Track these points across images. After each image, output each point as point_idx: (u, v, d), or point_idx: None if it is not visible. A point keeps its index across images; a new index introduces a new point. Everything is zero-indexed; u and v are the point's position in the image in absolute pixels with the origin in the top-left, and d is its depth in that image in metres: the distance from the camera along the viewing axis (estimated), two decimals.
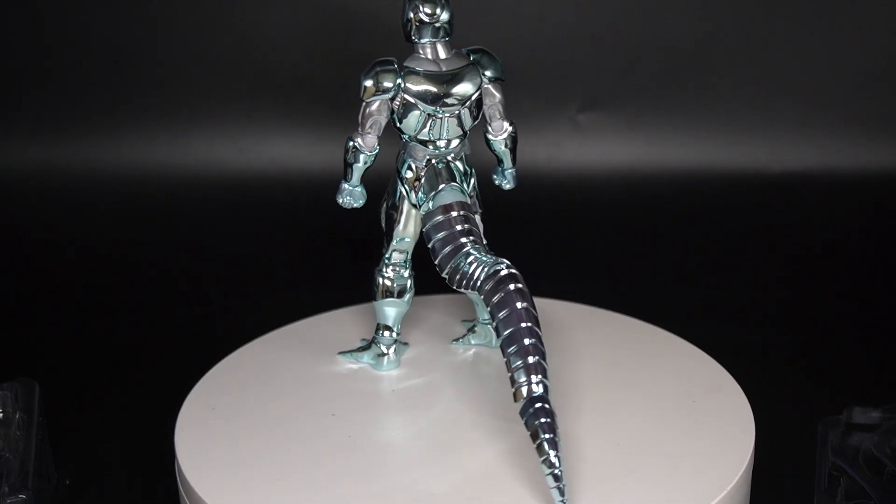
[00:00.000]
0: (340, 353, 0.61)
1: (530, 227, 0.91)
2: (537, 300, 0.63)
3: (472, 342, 0.62)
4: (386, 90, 0.53)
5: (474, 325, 0.62)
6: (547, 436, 0.46)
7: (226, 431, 0.54)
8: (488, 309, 0.49)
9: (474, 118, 0.55)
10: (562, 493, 0.46)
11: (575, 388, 0.57)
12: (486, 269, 0.50)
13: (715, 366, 0.59)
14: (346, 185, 0.55)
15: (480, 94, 0.54)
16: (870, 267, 0.86)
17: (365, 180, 0.55)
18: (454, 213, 0.53)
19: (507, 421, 0.53)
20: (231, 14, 0.98)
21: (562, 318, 0.64)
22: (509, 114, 0.56)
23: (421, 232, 0.54)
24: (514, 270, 0.50)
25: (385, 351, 0.59)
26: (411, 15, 0.53)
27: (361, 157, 0.54)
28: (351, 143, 0.54)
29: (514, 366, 0.48)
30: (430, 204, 0.54)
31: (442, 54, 0.54)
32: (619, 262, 0.87)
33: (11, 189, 0.97)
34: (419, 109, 0.53)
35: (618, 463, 0.51)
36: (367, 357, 0.60)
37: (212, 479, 0.51)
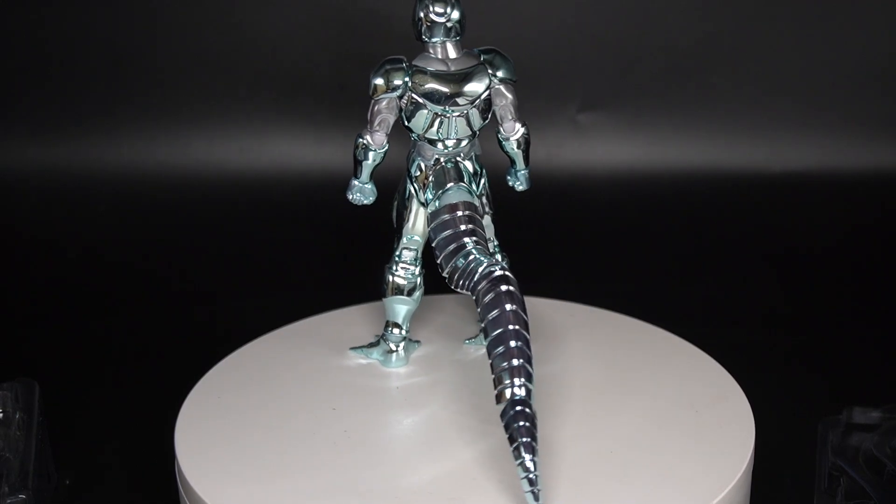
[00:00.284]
0: (352, 348, 0.61)
1: (530, 227, 0.91)
2: (537, 300, 0.63)
3: (484, 343, 0.62)
4: (394, 88, 0.53)
5: None
6: (524, 440, 0.46)
7: (226, 431, 0.54)
8: (479, 309, 0.49)
9: (484, 118, 0.55)
10: (536, 498, 0.46)
11: (575, 388, 0.57)
12: (481, 270, 0.50)
13: (715, 366, 0.59)
14: (356, 182, 0.55)
15: (490, 95, 0.54)
16: (870, 267, 0.86)
17: (375, 178, 0.55)
18: (459, 213, 0.53)
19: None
20: (231, 14, 0.98)
21: (562, 318, 0.64)
22: (521, 115, 0.56)
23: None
24: (507, 273, 0.49)
25: (393, 348, 0.59)
26: (422, 14, 0.53)
27: (371, 154, 0.54)
28: (360, 140, 0.54)
29: (498, 368, 0.47)
30: (437, 203, 0.54)
31: (452, 54, 0.54)
32: (619, 262, 0.87)
33: (11, 189, 0.97)
34: (427, 108, 0.53)
35: (617, 462, 0.51)
36: (376, 353, 0.60)
37: (212, 479, 0.51)
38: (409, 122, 0.54)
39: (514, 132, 0.56)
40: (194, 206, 0.96)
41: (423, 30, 0.54)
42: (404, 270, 0.58)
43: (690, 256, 0.88)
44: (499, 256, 0.59)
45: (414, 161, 0.55)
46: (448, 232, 0.52)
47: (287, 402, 0.57)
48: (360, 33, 0.96)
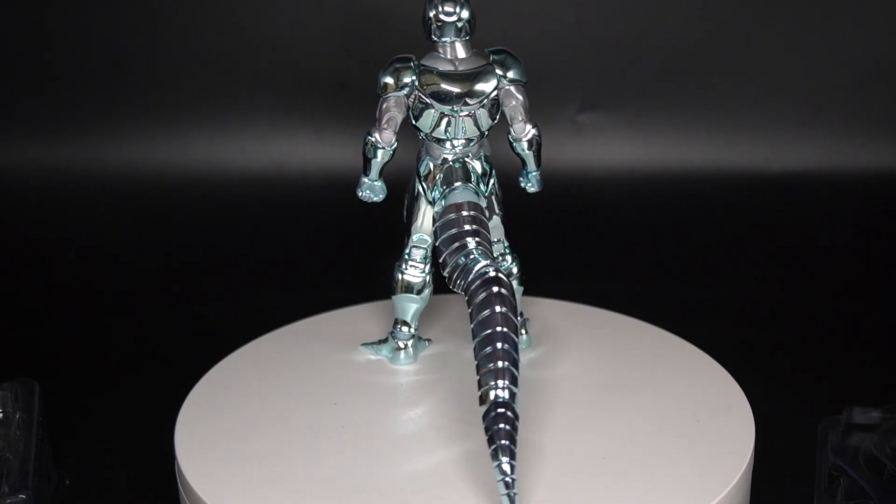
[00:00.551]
0: (364, 344, 0.61)
1: (530, 227, 0.91)
2: (537, 300, 0.63)
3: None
4: (402, 86, 0.53)
5: None
6: (503, 442, 0.46)
7: (226, 431, 0.54)
8: (469, 310, 0.49)
9: (492, 119, 0.55)
10: (512, 501, 0.45)
11: (574, 388, 0.57)
12: (477, 270, 0.50)
13: (715, 366, 0.59)
14: (365, 180, 0.56)
15: (498, 95, 0.54)
16: (870, 267, 0.86)
17: (384, 176, 0.56)
18: (464, 213, 0.53)
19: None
20: (231, 14, 0.98)
21: (562, 318, 0.64)
22: (532, 116, 0.56)
23: None
24: (501, 275, 0.49)
25: (402, 346, 0.59)
26: (432, 14, 0.53)
27: (379, 152, 0.54)
28: (369, 138, 0.54)
29: (483, 369, 0.47)
30: (443, 202, 0.54)
31: (460, 54, 0.54)
32: (619, 262, 0.87)
33: (11, 189, 0.97)
34: (434, 108, 0.53)
35: (617, 463, 0.51)
36: (385, 350, 0.60)
37: (212, 479, 0.51)
38: (416, 121, 0.54)
39: (524, 133, 0.56)
40: (194, 206, 0.96)
41: (433, 29, 0.54)
42: (414, 269, 0.58)
43: (690, 256, 0.88)
44: (509, 258, 0.59)
45: (423, 160, 0.55)
46: (451, 231, 0.52)
47: (288, 399, 0.57)
48: (360, 33, 0.96)
